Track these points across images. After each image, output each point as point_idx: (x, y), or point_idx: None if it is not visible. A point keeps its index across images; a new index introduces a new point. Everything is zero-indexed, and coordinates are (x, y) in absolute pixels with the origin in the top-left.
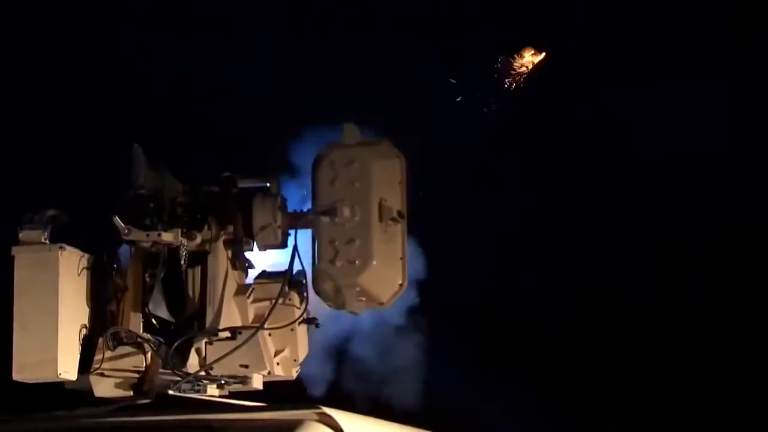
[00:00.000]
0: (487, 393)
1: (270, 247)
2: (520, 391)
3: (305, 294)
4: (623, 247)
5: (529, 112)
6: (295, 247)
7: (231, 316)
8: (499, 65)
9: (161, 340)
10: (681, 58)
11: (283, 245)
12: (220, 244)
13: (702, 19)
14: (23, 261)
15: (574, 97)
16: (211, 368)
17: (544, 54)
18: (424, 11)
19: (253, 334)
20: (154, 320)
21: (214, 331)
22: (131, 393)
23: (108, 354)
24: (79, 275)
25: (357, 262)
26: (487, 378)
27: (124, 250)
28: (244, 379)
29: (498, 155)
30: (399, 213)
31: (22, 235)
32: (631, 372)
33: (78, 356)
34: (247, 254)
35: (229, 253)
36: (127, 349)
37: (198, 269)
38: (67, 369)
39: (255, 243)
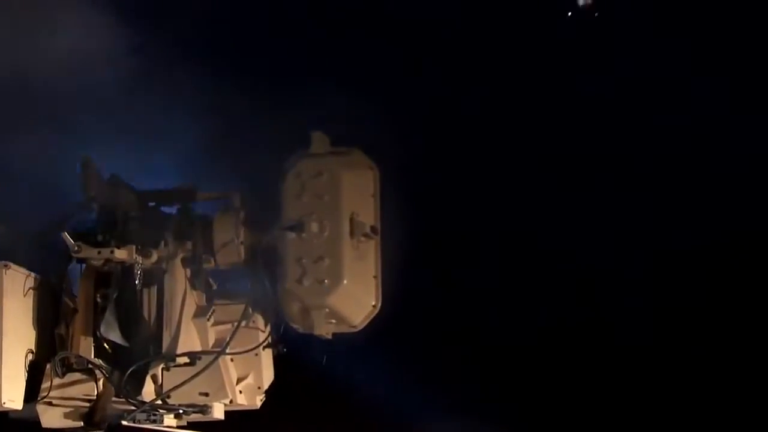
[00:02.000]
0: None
1: (232, 265)
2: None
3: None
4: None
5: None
6: (260, 266)
7: (190, 340)
8: None
9: (114, 366)
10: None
11: (247, 263)
12: (178, 262)
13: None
14: None
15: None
16: (168, 397)
17: None
18: None
19: (214, 360)
20: (106, 344)
21: (171, 357)
22: (81, 423)
23: (56, 381)
24: (24, 296)
25: (326, 281)
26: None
27: (74, 268)
28: (204, 409)
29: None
30: (372, 228)
31: None
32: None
33: (24, 384)
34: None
35: (188, 271)
36: (77, 375)
37: (154, 289)
38: (12, 397)
39: (215, 261)
